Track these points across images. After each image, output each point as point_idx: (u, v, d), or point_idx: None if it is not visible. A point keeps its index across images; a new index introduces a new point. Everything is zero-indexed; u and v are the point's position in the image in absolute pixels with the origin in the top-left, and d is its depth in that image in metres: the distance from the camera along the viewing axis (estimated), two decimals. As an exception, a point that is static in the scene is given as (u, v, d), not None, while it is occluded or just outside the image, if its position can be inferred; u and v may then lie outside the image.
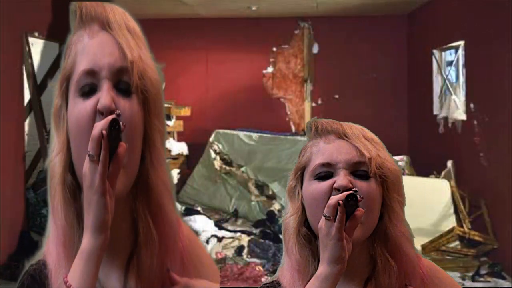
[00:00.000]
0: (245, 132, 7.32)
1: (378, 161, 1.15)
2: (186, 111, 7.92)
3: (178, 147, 7.59)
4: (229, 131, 7.41)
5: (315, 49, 8.33)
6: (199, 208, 6.69)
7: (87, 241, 0.93)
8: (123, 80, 0.98)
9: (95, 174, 0.91)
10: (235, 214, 6.61)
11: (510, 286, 4.68)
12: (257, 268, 5.02)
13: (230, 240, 5.70)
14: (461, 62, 6.31)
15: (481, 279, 4.81)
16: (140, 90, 0.99)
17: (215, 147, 7.30)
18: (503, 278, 4.79)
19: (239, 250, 5.43)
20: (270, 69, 8.40)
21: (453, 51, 6.60)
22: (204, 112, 8.25)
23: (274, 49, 8.38)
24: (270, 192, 6.61)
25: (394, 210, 1.16)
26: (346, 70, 8.18)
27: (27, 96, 5.36)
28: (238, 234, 5.87)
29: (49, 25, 5.62)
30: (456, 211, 5.51)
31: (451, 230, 5.26)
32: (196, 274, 1.09)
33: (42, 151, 5.36)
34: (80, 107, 0.97)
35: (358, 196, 1.04)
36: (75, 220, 0.99)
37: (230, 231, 6.00)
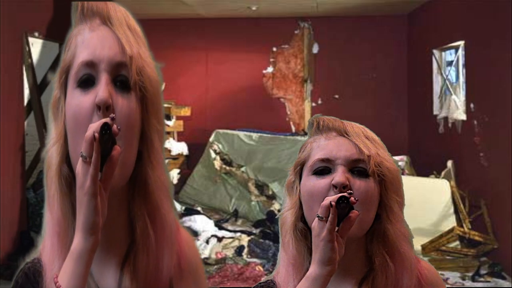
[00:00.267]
0: (245, 132, 7.33)
1: (377, 159, 1.15)
2: (186, 111, 7.92)
3: (178, 147, 7.59)
4: (229, 131, 7.41)
5: (315, 49, 8.33)
6: (199, 208, 6.69)
7: (78, 241, 0.93)
8: (121, 74, 0.98)
9: (87, 175, 0.91)
10: (235, 214, 6.61)
11: (510, 286, 4.68)
12: (257, 268, 5.02)
13: (230, 240, 5.70)
14: (461, 62, 6.31)
15: (481, 279, 4.81)
16: (138, 87, 0.99)
17: (215, 147, 7.30)
18: (503, 278, 4.79)
19: (239, 250, 5.44)
20: (270, 69, 8.40)
21: (453, 51, 6.60)
22: (204, 112, 8.26)
23: (274, 49, 8.38)
24: (270, 192, 6.61)
25: (392, 210, 1.16)
26: (346, 70, 8.18)
27: (27, 96, 5.36)
28: (238, 234, 5.87)
29: (49, 25, 5.62)
30: (456, 211, 5.51)
31: (451, 230, 5.26)
32: (191, 280, 1.09)
33: (42, 151, 5.35)
34: (78, 100, 0.97)
35: (353, 198, 1.03)
36: (70, 211, 0.99)
37: (230, 231, 6.00)
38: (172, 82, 7.63)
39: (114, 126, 0.91)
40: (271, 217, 6.13)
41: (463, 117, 5.99)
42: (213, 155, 7.24)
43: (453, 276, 4.85)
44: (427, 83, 7.04)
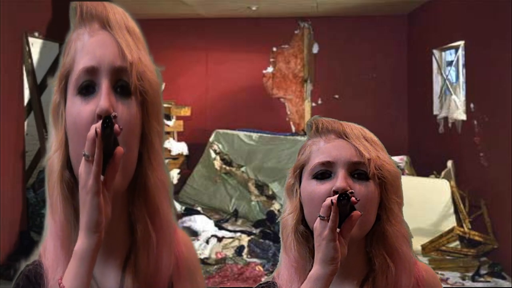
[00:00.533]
0: (245, 132, 7.33)
1: (378, 162, 1.15)
2: (186, 111, 7.92)
3: (178, 147, 7.59)
4: (229, 131, 7.41)
5: (315, 49, 8.33)
6: (199, 208, 6.69)
7: (81, 241, 0.93)
8: (122, 80, 0.98)
9: (89, 174, 0.91)
10: (235, 214, 6.61)
11: (510, 286, 4.68)
12: (257, 268, 5.02)
13: (230, 240, 5.70)
14: (461, 62, 6.31)
15: (481, 279, 4.81)
16: (138, 91, 0.99)
17: (215, 147, 7.30)
18: (503, 278, 4.79)
19: (239, 250, 5.44)
20: (270, 69, 8.40)
21: (453, 51, 6.60)
22: (204, 112, 8.26)
23: (274, 49, 8.38)
24: (270, 192, 6.61)
25: (392, 211, 1.16)
26: (346, 70, 8.18)
27: (27, 96, 5.36)
28: (238, 234, 5.87)
29: (49, 25, 5.62)
30: (456, 211, 5.51)
31: (451, 230, 5.26)
32: (189, 280, 1.09)
33: (42, 151, 5.35)
34: (78, 109, 0.97)
35: (354, 197, 1.03)
36: (73, 215, 0.99)
37: (230, 231, 6.00)
38: (172, 82, 7.63)
39: (116, 126, 0.91)
40: (271, 217, 6.13)
41: (463, 117, 5.99)
42: (213, 155, 7.24)
43: (453, 276, 4.85)
44: (427, 83, 7.04)
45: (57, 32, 5.46)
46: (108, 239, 0.97)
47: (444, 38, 6.54)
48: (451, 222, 5.42)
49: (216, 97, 8.32)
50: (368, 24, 8.03)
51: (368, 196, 1.12)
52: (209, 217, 6.32)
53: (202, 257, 5.19)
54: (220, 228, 6.08)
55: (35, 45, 5.47)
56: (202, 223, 6.01)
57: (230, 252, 5.42)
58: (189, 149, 7.70)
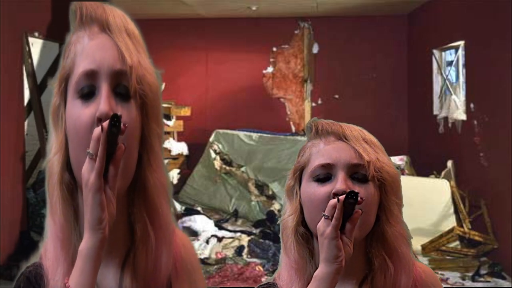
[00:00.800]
0: (245, 132, 7.33)
1: (377, 165, 1.16)
2: (186, 111, 7.92)
3: (178, 147, 7.59)
4: (229, 131, 7.41)
5: (315, 49, 8.33)
6: (199, 208, 6.69)
7: (85, 240, 0.94)
8: (121, 84, 0.99)
9: (92, 171, 0.92)
10: (235, 214, 6.61)
11: (510, 286, 4.68)
12: (257, 268, 5.03)
13: (230, 240, 5.70)
14: (461, 62, 6.31)
15: (481, 279, 4.81)
16: (138, 94, 1.00)
17: (215, 147, 7.31)
18: (503, 278, 4.79)
19: (239, 250, 5.44)
20: (270, 69, 8.40)
21: (453, 51, 6.60)
22: (204, 112, 8.26)
23: (274, 49, 8.38)
24: (270, 192, 6.61)
25: (392, 212, 1.17)
26: (346, 70, 8.18)
27: (27, 96, 5.36)
28: (238, 234, 5.87)
29: (49, 25, 5.62)
30: (456, 211, 5.51)
31: (451, 230, 5.27)
32: (187, 281, 1.10)
33: (42, 151, 5.36)
34: (78, 113, 0.98)
35: (359, 197, 1.05)
36: (73, 217, 1.00)
37: (230, 231, 6.00)
38: (172, 82, 7.63)
39: (122, 126, 0.92)
40: (271, 217, 6.13)
41: (463, 117, 5.99)
42: (213, 155, 7.24)
43: (453, 276, 4.85)
44: (427, 83, 7.05)
45: (57, 32, 5.46)
46: (109, 239, 0.98)
47: (444, 38, 6.54)
48: (451, 222, 5.43)
49: (216, 97, 8.32)
50: (368, 24, 8.03)
51: (368, 198, 1.13)
52: (209, 217, 6.32)
53: (202, 257, 5.20)
54: (220, 228, 6.08)
55: (35, 45, 5.47)
56: (202, 223, 6.01)
57: (230, 252, 5.42)
58: (189, 149, 7.70)
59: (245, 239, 5.67)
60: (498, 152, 5.19)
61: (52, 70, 5.46)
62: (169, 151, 7.45)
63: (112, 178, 0.94)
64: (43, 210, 5.20)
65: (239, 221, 6.49)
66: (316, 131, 1.21)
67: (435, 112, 6.85)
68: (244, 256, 5.35)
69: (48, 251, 1.03)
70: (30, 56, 5.35)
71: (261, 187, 6.72)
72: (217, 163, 7.16)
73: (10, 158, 5.09)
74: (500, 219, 5.08)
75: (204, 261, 5.10)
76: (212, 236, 5.71)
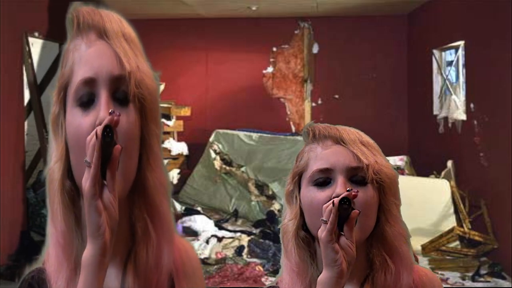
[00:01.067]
0: (245, 132, 7.33)
1: (376, 167, 1.16)
2: (186, 111, 7.92)
3: (178, 147, 7.59)
4: (229, 131, 7.42)
5: (315, 49, 8.34)
6: (199, 208, 6.70)
7: (87, 249, 0.94)
8: (120, 89, 0.99)
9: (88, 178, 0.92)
10: (235, 214, 6.61)
11: (510, 286, 4.68)
12: (257, 268, 5.03)
13: (230, 240, 5.70)
14: (461, 62, 6.31)
15: (481, 279, 4.81)
16: (137, 98, 1.00)
17: (215, 147, 7.31)
18: (503, 278, 4.80)
19: (239, 250, 5.44)
20: (270, 69, 8.40)
21: (453, 51, 6.60)
22: (204, 112, 8.26)
23: (274, 49, 8.38)
24: (270, 192, 6.61)
25: (391, 212, 1.18)
26: (346, 70, 8.18)
27: (27, 96, 5.36)
28: (238, 234, 5.87)
29: (49, 25, 5.62)
30: (456, 211, 5.51)
31: (451, 230, 5.27)
32: (186, 281, 1.10)
33: (42, 151, 5.36)
34: (78, 121, 0.99)
35: (352, 202, 1.05)
36: (74, 224, 1.01)
37: (230, 231, 6.01)
38: (172, 82, 7.63)
39: (115, 136, 0.92)
40: (271, 217, 6.13)
41: (463, 117, 5.99)
42: (213, 155, 7.25)
43: (453, 276, 4.85)
44: (427, 83, 7.05)
45: (57, 32, 5.46)
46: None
47: (444, 38, 6.54)
48: (451, 222, 5.43)
49: (216, 97, 8.32)
50: (368, 24, 8.03)
51: (367, 201, 1.14)
52: (209, 217, 6.32)
53: (202, 257, 5.20)
54: (220, 228, 6.08)
55: (35, 45, 5.47)
56: (202, 223, 6.01)
57: (230, 252, 5.42)
58: (189, 149, 7.71)
59: (245, 239, 5.67)
60: (498, 152, 5.19)
61: (52, 70, 5.47)
62: (169, 151, 7.45)
63: (110, 180, 0.93)
64: (43, 210, 5.21)
65: (239, 221, 6.49)
66: (313, 136, 1.21)
67: (435, 112, 6.85)
68: (244, 256, 5.35)
69: (51, 257, 1.03)
70: (30, 56, 5.35)
71: (261, 187, 6.72)
72: (217, 163, 7.16)
73: (10, 158, 5.09)
74: (500, 219, 5.08)
75: (204, 261, 5.10)
76: (212, 236, 5.72)
